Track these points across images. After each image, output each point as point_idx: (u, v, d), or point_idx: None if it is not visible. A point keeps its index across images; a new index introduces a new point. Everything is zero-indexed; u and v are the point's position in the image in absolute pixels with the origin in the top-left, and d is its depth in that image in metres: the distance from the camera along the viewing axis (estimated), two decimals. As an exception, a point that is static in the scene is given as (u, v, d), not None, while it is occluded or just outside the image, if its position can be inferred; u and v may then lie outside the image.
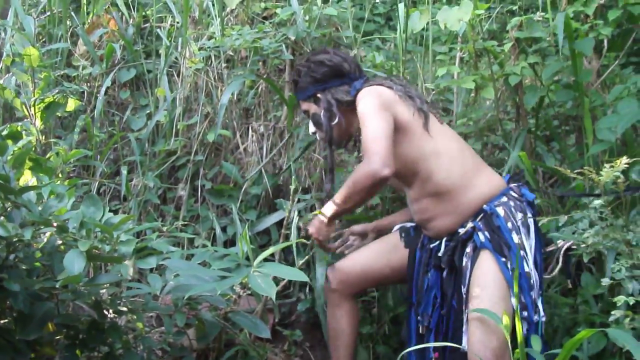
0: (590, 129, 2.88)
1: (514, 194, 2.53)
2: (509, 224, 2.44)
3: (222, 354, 2.88)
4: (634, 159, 2.11)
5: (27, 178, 2.50)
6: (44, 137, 3.32)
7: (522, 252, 2.39)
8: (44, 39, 3.88)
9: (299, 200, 3.32)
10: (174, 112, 3.41)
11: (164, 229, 2.54)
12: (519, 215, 2.46)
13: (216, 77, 3.47)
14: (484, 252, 2.43)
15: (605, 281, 1.87)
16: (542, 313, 2.42)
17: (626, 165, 1.86)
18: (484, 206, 2.49)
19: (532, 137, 3.22)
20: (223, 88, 3.37)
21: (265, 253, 2.27)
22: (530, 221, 2.49)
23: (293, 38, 3.21)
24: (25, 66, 3.19)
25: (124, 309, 2.38)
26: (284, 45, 3.30)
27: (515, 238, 2.42)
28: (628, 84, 2.97)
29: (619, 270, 1.82)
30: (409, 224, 2.77)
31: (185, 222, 3.19)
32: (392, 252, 2.76)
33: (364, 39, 3.71)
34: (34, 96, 3.13)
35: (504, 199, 2.50)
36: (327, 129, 2.64)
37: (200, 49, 3.43)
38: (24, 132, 3.08)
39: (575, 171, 1.93)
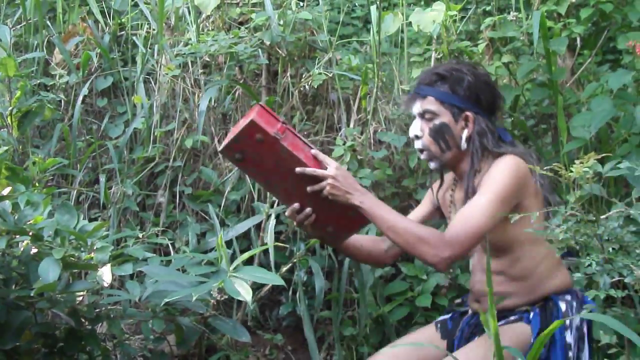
0: (564, 127, 2.91)
1: (578, 296, 2.40)
2: (566, 322, 2.30)
3: (204, 359, 2.88)
4: (605, 154, 2.12)
5: (4, 187, 2.50)
6: (21, 146, 3.32)
7: (569, 353, 2.29)
8: (20, 49, 3.86)
9: (278, 204, 3.32)
10: (152, 119, 3.41)
11: (141, 235, 2.53)
12: (577, 319, 2.32)
13: (193, 83, 3.47)
14: (521, 324, 2.33)
15: (577, 276, 1.88)
16: None
17: (595, 161, 1.87)
18: (552, 295, 2.36)
19: (508, 136, 3.24)
20: (200, 94, 3.37)
21: (241, 258, 2.28)
22: (585, 330, 2.37)
23: (268, 43, 3.22)
24: (1, 75, 3.19)
25: (102, 316, 2.38)
26: (259, 50, 3.32)
27: (568, 337, 2.30)
28: (602, 81, 3.00)
29: (589, 265, 1.83)
30: (445, 316, 2.57)
31: (164, 229, 3.18)
32: (425, 348, 2.46)
33: (341, 42, 3.72)
34: (10, 105, 3.13)
35: (569, 297, 2.38)
36: (472, 150, 2.34)
37: (176, 55, 3.44)
38: (0, 142, 3.08)
39: (546, 168, 1.94)
